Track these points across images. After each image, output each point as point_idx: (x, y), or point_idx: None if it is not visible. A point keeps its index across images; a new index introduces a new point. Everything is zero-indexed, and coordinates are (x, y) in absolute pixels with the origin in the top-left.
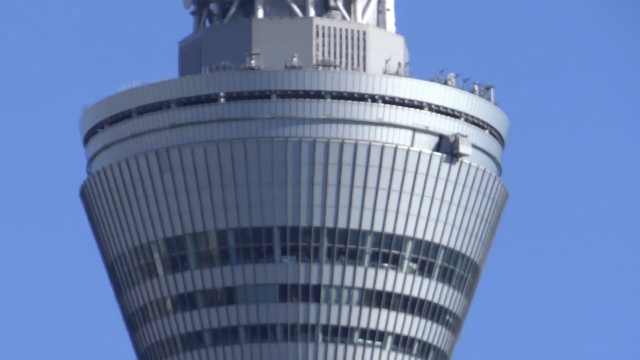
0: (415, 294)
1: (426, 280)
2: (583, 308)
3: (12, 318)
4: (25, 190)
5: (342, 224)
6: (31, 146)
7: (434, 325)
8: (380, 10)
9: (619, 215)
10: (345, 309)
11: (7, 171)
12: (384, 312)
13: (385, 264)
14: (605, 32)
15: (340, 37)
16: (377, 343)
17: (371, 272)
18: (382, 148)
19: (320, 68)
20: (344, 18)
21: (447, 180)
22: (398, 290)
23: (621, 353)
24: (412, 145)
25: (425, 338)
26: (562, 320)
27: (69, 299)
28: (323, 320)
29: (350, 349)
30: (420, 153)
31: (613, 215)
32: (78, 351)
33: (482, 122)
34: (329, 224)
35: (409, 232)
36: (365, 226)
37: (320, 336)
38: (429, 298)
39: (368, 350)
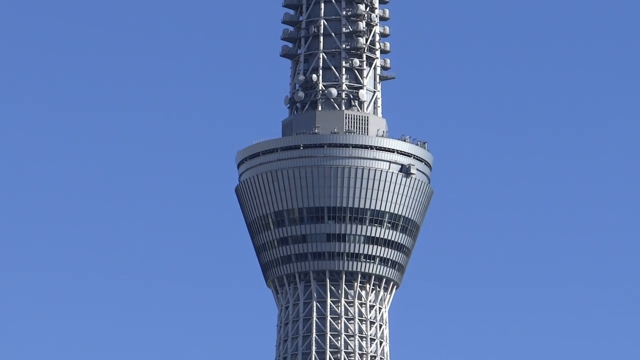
0: (389, 238)
1: (394, 232)
2: (484, 250)
3: (191, 263)
4: (205, 191)
5: (356, 205)
6: (208, 168)
7: (398, 253)
8: (375, 107)
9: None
10: (357, 245)
11: (193, 183)
12: (375, 246)
13: (375, 224)
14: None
15: (356, 119)
16: (371, 261)
17: (369, 228)
18: (375, 170)
19: (347, 133)
20: (358, 110)
21: (404, 186)
22: (381, 236)
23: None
24: (388, 169)
25: (393, 259)
26: (468, 249)
27: (228, 242)
28: (347, 250)
29: (358, 263)
30: (392, 173)
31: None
32: (229, 269)
33: (421, 158)
34: (350, 205)
35: (386, 209)
36: (367, 206)
37: (346, 257)
38: (395, 240)
39: (368, 264)
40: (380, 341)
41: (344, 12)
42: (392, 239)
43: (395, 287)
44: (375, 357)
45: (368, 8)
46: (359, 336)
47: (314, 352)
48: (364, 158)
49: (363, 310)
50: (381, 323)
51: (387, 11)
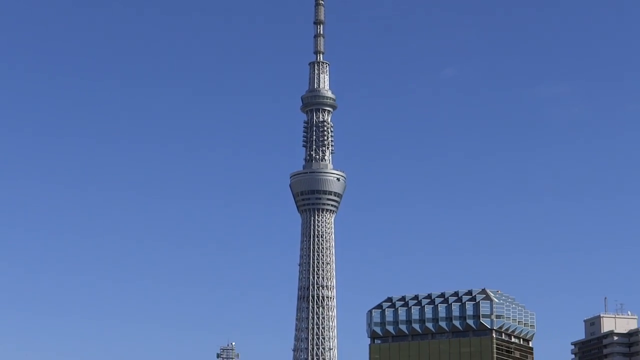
0: (334, 197)
1: (335, 196)
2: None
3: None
4: (278, 186)
5: (324, 188)
6: (278, 178)
7: (336, 201)
8: (329, 162)
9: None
10: (324, 200)
11: (272, 186)
12: (329, 201)
13: (330, 194)
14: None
15: (324, 165)
16: (328, 205)
17: (328, 195)
18: (329, 179)
19: (321, 168)
20: (325, 162)
21: (338, 183)
22: (331, 197)
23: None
24: (333, 179)
25: (334, 204)
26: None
27: (286, 201)
28: (321, 202)
29: (325, 206)
30: (334, 180)
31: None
32: (286, 208)
33: (343, 176)
34: (323, 189)
35: (332, 190)
36: (327, 189)
37: (321, 204)
38: (335, 198)
39: (327, 206)
40: (331, 229)
41: (320, 132)
42: (335, 198)
43: (335, 212)
44: (329, 232)
45: (328, 128)
46: (324, 229)
47: (311, 229)
48: (326, 177)
49: (325, 220)
50: (330, 224)
51: (334, 128)
